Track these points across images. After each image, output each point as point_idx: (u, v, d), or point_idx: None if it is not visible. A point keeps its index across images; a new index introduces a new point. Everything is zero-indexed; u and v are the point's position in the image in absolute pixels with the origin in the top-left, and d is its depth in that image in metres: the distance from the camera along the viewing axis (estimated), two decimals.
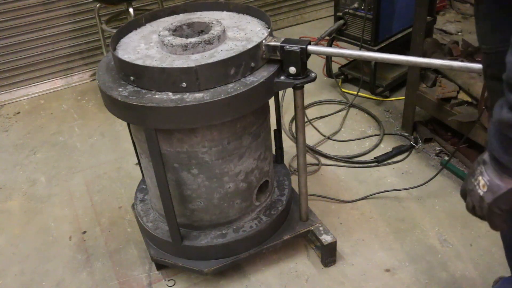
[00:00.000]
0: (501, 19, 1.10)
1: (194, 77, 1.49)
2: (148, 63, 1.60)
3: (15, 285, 2.10)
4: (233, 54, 1.55)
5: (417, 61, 1.53)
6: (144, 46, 1.74)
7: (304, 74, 1.63)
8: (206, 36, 1.65)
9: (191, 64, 1.56)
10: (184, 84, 1.50)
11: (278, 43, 1.59)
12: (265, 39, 1.61)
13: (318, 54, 1.66)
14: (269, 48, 1.61)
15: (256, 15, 1.88)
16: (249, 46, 1.62)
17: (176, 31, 1.74)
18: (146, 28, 1.88)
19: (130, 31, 1.85)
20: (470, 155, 2.51)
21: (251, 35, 1.74)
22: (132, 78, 1.57)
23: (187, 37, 1.75)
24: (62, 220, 2.42)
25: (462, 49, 2.74)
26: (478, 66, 1.32)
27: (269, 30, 1.73)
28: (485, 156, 1.02)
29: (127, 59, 1.59)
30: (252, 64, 1.59)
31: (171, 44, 1.63)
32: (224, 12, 1.96)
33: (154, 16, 1.93)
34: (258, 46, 1.59)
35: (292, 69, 1.61)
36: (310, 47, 1.58)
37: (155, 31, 1.83)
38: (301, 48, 1.57)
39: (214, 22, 1.74)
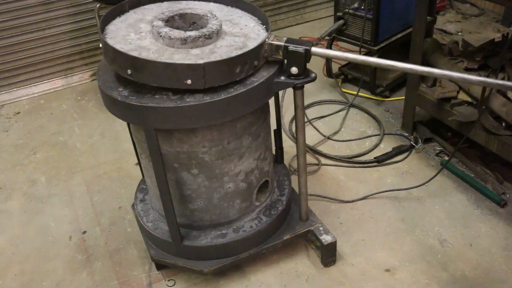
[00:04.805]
0: None
1: (201, 74, 1.44)
2: (145, 55, 1.52)
3: (15, 285, 2.10)
4: (237, 52, 1.53)
5: (418, 70, 1.52)
6: (135, 36, 1.63)
7: (305, 74, 1.62)
8: (205, 31, 1.59)
9: (193, 59, 1.52)
10: (189, 81, 1.45)
11: (282, 43, 1.57)
12: (268, 37, 1.58)
13: (322, 56, 1.64)
14: (272, 47, 1.58)
15: (247, 9, 1.82)
16: (248, 42, 1.60)
17: (168, 21, 1.66)
18: (130, 15, 1.77)
19: (114, 18, 1.74)
20: (470, 155, 2.51)
21: (247, 31, 1.69)
22: (129, 71, 1.48)
23: (178, 28, 1.67)
24: (62, 220, 2.42)
25: (462, 49, 2.74)
26: (477, 78, 1.31)
27: (264, 26, 1.69)
28: None
29: (121, 50, 1.50)
30: (255, 63, 1.56)
31: (169, 36, 1.56)
32: (211, 4, 1.88)
33: (138, 3, 1.83)
34: (262, 44, 1.56)
35: (294, 70, 1.59)
36: (314, 49, 1.57)
37: (141, 20, 1.74)
38: (305, 49, 1.55)
39: (208, 15, 1.68)
